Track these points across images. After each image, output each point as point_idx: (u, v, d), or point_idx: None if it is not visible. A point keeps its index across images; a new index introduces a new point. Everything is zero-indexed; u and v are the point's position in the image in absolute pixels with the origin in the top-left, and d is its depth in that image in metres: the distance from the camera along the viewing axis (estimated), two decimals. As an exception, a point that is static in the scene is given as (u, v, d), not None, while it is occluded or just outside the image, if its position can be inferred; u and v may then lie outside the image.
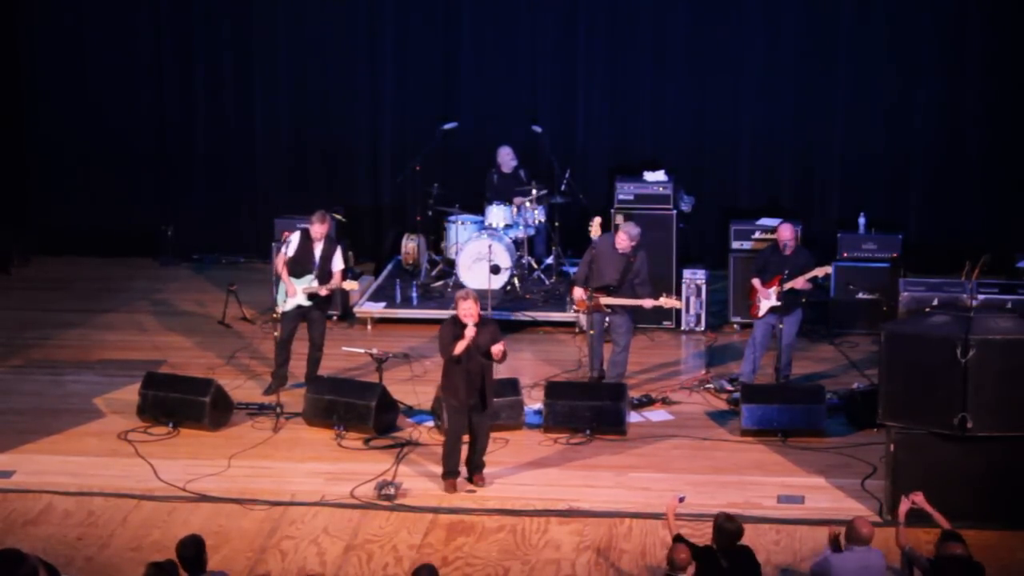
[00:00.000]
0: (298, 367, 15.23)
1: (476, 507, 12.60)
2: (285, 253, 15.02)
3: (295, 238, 15.08)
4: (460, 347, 12.58)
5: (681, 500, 10.99)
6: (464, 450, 12.95)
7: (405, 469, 13.26)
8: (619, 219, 16.50)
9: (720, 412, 14.64)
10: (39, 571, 9.79)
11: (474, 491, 12.88)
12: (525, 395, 14.46)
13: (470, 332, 12.55)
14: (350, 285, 15.39)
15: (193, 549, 10.09)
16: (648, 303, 14.72)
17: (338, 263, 15.04)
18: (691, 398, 15.03)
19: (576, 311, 15.23)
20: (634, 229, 14.88)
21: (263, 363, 15.74)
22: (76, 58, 19.66)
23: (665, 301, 14.76)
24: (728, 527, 10.32)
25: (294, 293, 14.89)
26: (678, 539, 10.36)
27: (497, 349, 12.60)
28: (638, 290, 14.73)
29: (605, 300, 14.73)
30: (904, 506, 10.83)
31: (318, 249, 14.97)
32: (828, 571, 10.32)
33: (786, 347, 14.88)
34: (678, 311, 16.80)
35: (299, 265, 14.96)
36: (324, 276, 14.96)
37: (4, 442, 13.89)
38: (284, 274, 14.97)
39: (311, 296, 14.90)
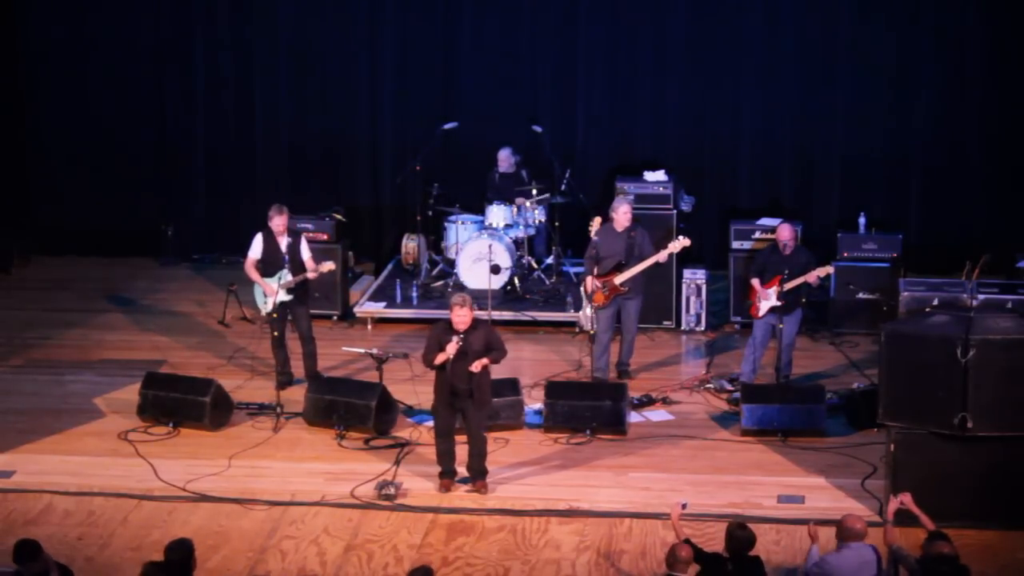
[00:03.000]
0: (296, 366, 15.28)
1: (476, 507, 12.60)
2: (251, 256, 14.98)
3: (258, 240, 15.03)
4: (440, 359, 12.53)
5: (684, 507, 10.99)
6: (462, 451, 12.92)
7: (405, 469, 13.26)
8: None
9: (720, 412, 14.65)
10: (51, 571, 9.92)
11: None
12: (525, 395, 14.46)
13: (451, 349, 12.46)
14: (327, 267, 15.26)
15: (180, 553, 10.06)
16: (664, 255, 14.95)
17: (306, 252, 15.03)
18: (691, 398, 15.04)
19: (596, 307, 15.18)
20: (626, 200, 15.26)
21: (263, 363, 15.73)
22: (76, 58, 19.66)
23: (674, 245, 15.03)
24: (740, 535, 10.30)
25: (273, 292, 14.87)
26: (687, 543, 10.33)
27: (475, 367, 12.51)
28: (645, 258, 14.89)
29: (619, 278, 14.82)
30: (893, 505, 10.85)
31: (283, 243, 14.94)
32: (830, 572, 10.31)
33: (786, 347, 14.87)
34: (679, 311, 16.87)
35: (270, 265, 14.92)
36: (297, 268, 14.94)
37: (4, 442, 13.89)
38: (256, 276, 14.94)
39: (290, 290, 14.90)
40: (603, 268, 15.01)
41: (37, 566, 9.95)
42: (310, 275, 14.97)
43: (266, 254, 14.96)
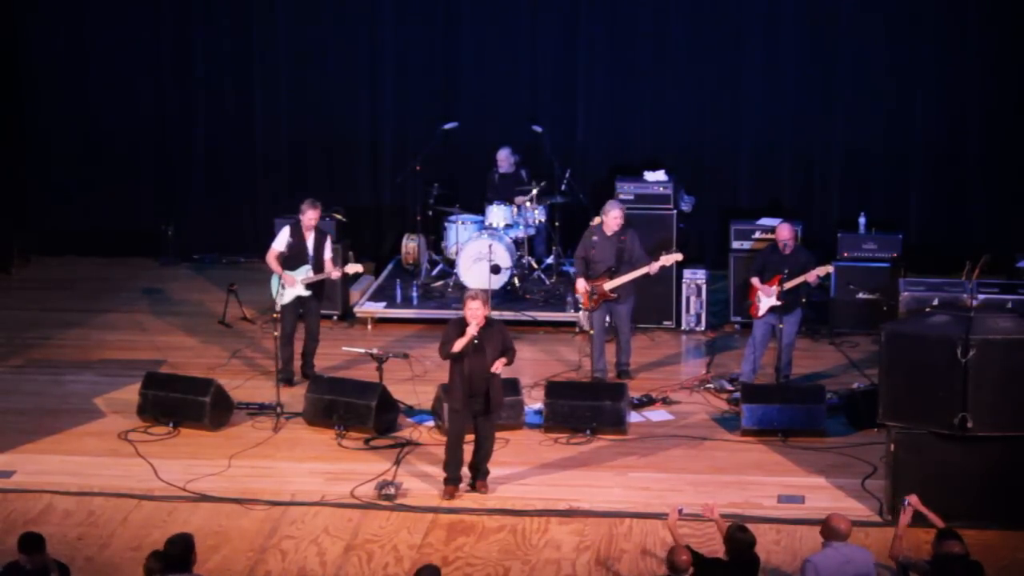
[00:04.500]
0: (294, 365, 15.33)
1: (476, 507, 12.60)
2: (274, 248, 15.03)
3: (284, 232, 15.09)
4: (459, 345, 12.52)
5: (680, 512, 11.00)
6: (468, 451, 12.91)
7: (405, 469, 13.26)
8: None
9: (720, 412, 14.64)
10: (51, 570, 9.97)
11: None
12: (525, 395, 14.45)
13: (471, 331, 12.49)
14: (353, 268, 15.41)
15: (181, 547, 10.10)
16: (655, 267, 14.92)
17: (328, 252, 15.13)
18: (691, 398, 15.03)
19: (585, 310, 15.24)
20: (617, 204, 15.14)
21: (263, 363, 15.73)
22: (76, 58, 19.67)
23: (665, 259, 14.96)
24: (740, 537, 10.27)
25: (293, 283, 14.89)
26: (686, 548, 10.32)
27: (496, 367, 12.51)
28: (636, 266, 14.84)
29: (609, 284, 14.81)
30: (905, 518, 10.72)
31: (310, 239, 14.98)
32: (811, 571, 10.30)
33: (786, 347, 14.88)
34: (679, 311, 16.88)
35: (291, 259, 14.99)
36: (319, 266, 14.99)
37: (4, 442, 13.89)
38: (276, 267, 14.97)
39: (309, 285, 14.93)
40: (593, 272, 14.98)
41: (40, 559, 10.02)
42: (333, 275, 15.05)
43: (290, 248, 15.00)
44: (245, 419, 14.49)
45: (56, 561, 10.26)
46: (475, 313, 12.49)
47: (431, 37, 19.13)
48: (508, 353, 12.64)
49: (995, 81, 18.13)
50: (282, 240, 15.08)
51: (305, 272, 14.97)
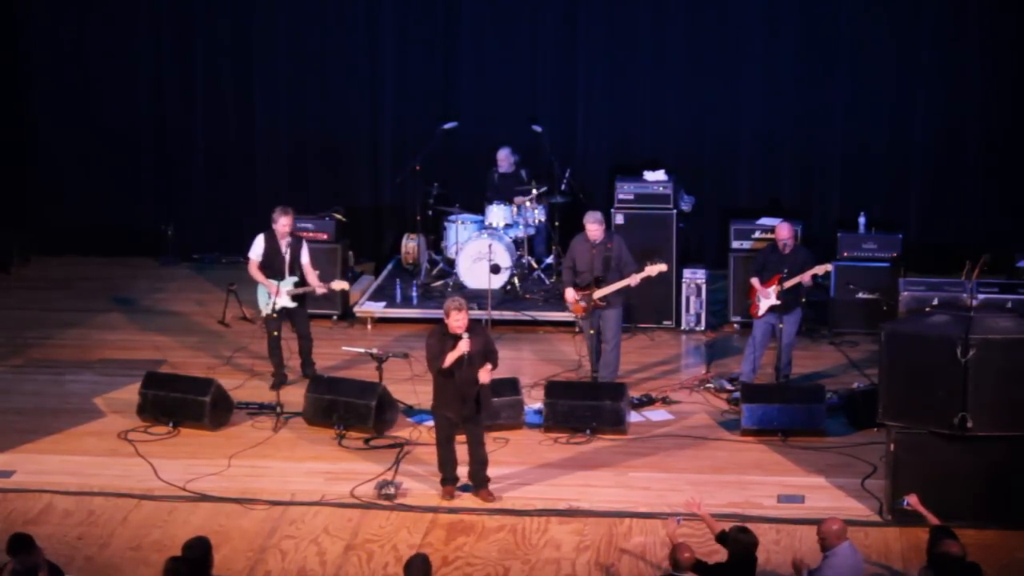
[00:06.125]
0: (292, 366, 15.31)
1: (476, 507, 12.61)
2: (253, 258, 14.94)
3: (259, 241, 15.00)
4: (450, 359, 12.42)
5: (679, 522, 11.02)
6: (461, 451, 12.89)
7: (405, 469, 13.26)
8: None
9: (720, 412, 14.64)
10: (40, 567, 9.96)
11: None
12: (525, 395, 14.46)
13: (465, 346, 12.34)
14: (339, 285, 15.39)
15: (200, 551, 10.16)
16: (636, 279, 14.79)
17: (306, 256, 15.01)
18: (691, 398, 15.03)
19: (576, 316, 15.27)
20: (597, 214, 14.97)
21: (263, 363, 15.71)
22: (76, 58, 19.67)
23: (651, 269, 14.88)
24: (743, 539, 10.26)
25: (278, 293, 14.85)
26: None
27: (484, 378, 12.42)
28: (624, 272, 14.80)
29: (598, 293, 14.78)
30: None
31: (284, 245, 14.90)
32: (842, 563, 10.28)
33: (786, 347, 14.88)
34: (679, 311, 16.87)
35: (269, 267, 14.91)
36: (295, 271, 14.92)
37: (4, 442, 13.89)
38: (260, 277, 14.92)
39: (295, 298, 14.89)
40: (582, 280, 14.91)
41: (30, 559, 9.99)
42: (318, 291, 14.96)
43: (267, 255, 14.94)
44: (245, 419, 14.49)
45: (48, 561, 10.25)
46: (460, 324, 12.39)
47: (431, 37, 19.12)
48: (491, 356, 12.58)
49: (995, 82, 18.12)
50: (257, 249, 14.97)
51: (290, 284, 14.90)
